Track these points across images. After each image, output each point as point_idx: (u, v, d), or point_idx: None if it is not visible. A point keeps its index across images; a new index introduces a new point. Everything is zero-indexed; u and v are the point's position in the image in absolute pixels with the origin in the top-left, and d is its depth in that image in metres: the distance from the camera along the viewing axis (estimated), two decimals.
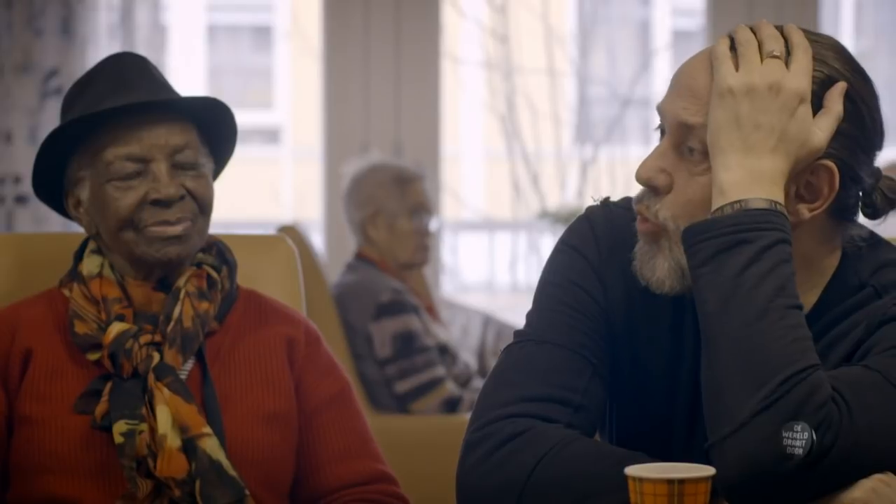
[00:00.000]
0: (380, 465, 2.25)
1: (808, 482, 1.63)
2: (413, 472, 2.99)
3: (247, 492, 2.10)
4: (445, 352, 4.17)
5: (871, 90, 1.76)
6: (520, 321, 1.87)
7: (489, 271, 8.50)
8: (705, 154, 1.73)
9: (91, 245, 2.22)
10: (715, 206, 1.71)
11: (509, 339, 1.85)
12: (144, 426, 2.10)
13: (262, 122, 10.34)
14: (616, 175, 7.60)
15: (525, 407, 1.77)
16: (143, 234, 2.15)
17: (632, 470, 1.58)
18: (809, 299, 1.77)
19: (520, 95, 7.79)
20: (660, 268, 1.77)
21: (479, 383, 4.15)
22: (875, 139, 1.76)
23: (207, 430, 2.11)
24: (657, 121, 1.81)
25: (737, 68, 1.71)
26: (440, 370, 4.09)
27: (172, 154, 2.16)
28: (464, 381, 4.21)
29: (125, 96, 2.15)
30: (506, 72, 7.82)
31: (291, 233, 4.07)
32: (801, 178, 1.74)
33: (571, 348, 1.81)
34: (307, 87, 7.33)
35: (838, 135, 1.72)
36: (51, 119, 4.82)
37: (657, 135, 1.80)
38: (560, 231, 1.89)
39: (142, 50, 4.97)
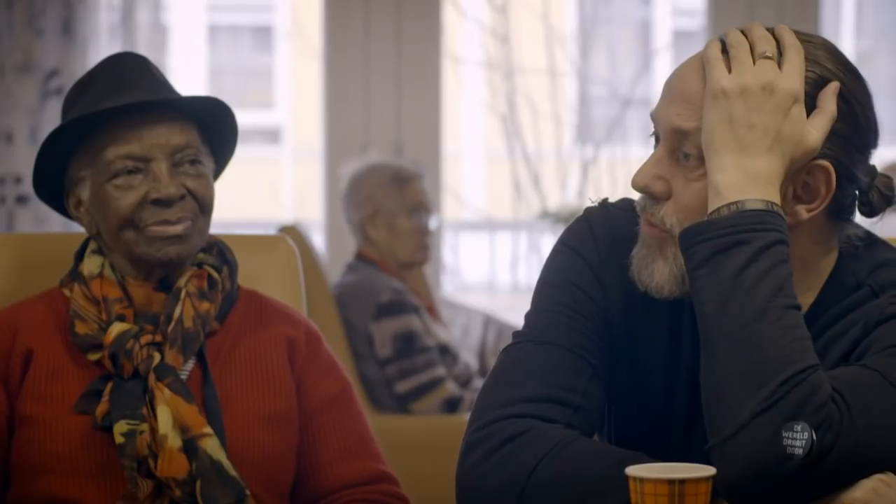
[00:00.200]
0: (380, 466, 2.25)
1: (808, 482, 1.63)
2: (413, 472, 3.00)
3: (247, 492, 2.10)
4: (446, 352, 4.17)
5: (864, 89, 1.76)
6: (520, 321, 1.87)
7: (490, 271, 8.50)
8: (701, 159, 1.73)
9: (92, 245, 2.22)
10: (711, 208, 1.71)
11: (509, 340, 1.85)
12: (145, 426, 2.10)
13: (263, 122, 10.34)
14: (617, 175, 7.60)
15: (525, 407, 1.77)
16: (143, 233, 2.15)
17: (632, 470, 1.58)
18: (806, 300, 1.77)
19: (520, 95, 7.80)
20: (658, 273, 1.77)
21: (479, 383, 4.15)
22: (869, 138, 1.77)
23: (208, 430, 2.11)
24: None
25: (729, 70, 1.72)
26: (440, 370, 4.09)
27: (173, 154, 2.16)
28: (464, 382, 4.21)
29: (126, 96, 2.15)
30: (506, 72, 7.82)
31: (292, 233, 4.07)
32: (797, 179, 1.74)
33: (570, 349, 1.81)
34: (308, 87, 7.33)
35: (833, 135, 1.72)
36: (51, 119, 4.82)
37: (653, 138, 1.81)
38: (561, 231, 1.89)
39: (142, 50, 4.97)
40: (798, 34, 1.75)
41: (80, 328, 2.16)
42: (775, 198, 1.70)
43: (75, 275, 2.21)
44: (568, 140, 8.21)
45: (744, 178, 1.70)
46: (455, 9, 7.22)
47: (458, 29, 7.95)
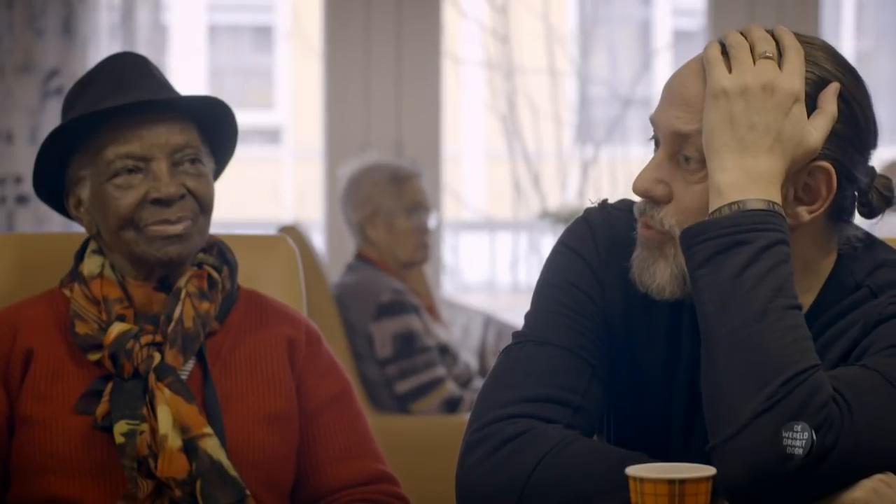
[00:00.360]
0: (380, 466, 2.25)
1: (809, 482, 1.63)
2: (413, 472, 3.00)
3: (247, 492, 2.10)
4: (446, 352, 4.17)
5: (863, 90, 1.76)
6: (520, 321, 1.87)
7: (490, 271, 8.50)
8: (702, 162, 1.73)
9: (92, 245, 2.22)
10: (712, 208, 1.71)
11: (509, 340, 1.85)
12: (145, 426, 2.10)
13: (263, 122, 10.34)
14: (617, 175, 7.60)
15: (525, 407, 1.77)
16: (143, 233, 2.15)
17: (632, 470, 1.58)
18: (806, 301, 1.77)
19: (521, 95, 7.79)
20: (660, 274, 1.77)
21: (479, 383, 4.15)
22: (869, 139, 1.77)
23: (208, 430, 2.11)
24: None
25: (730, 71, 1.72)
26: (440, 370, 4.09)
27: (173, 153, 2.16)
28: (464, 382, 4.21)
29: (126, 96, 2.15)
30: (507, 72, 7.82)
31: (292, 233, 4.07)
32: (798, 181, 1.74)
33: (570, 349, 1.81)
34: (308, 88, 7.33)
35: (833, 135, 1.72)
36: (52, 119, 4.82)
37: (653, 144, 1.80)
38: (561, 231, 1.89)
39: (142, 50, 4.97)
40: (797, 35, 1.75)
41: (81, 328, 2.16)
42: (776, 197, 1.70)
43: (75, 275, 2.21)
44: (568, 140, 8.20)
45: (745, 178, 1.70)
46: (455, 9, 7.22)
47: (459, 29, 7.95)
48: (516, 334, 1.85)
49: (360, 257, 4.27)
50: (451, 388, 4.08)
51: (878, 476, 1.66)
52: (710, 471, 1.58)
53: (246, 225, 7.26)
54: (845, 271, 1.80)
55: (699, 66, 1.75)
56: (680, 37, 9.29)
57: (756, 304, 1.66)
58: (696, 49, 1.81)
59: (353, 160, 4.52)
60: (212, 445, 2.10)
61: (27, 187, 4.79)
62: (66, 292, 2.21)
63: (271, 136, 10.47)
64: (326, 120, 5.50)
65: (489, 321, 4.73)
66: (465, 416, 3.83)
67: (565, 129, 8.15)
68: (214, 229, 2.25)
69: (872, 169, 1.79)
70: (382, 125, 5.48)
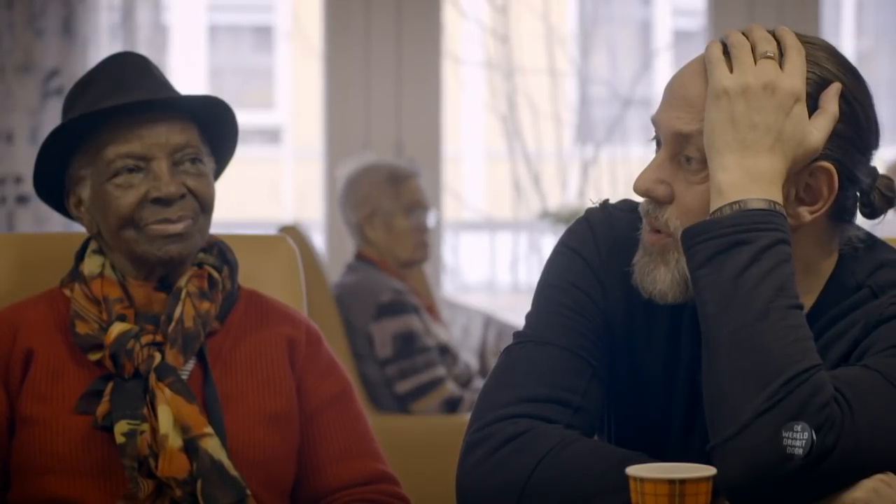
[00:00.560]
0: (381, 466, 2.25)
1: (810, 482, 1.63)
2: (414, 472, 3.00)
3: (248, 492, 2.10)
4: (446, 352, 4.17)
5: (864, 90, 1.76)
6: (521, 321, 1.87)
7: (490, 271, 8.49)
8: (703, 163, 1.73)
9: (92, 245, 2.22)
10: (713, 207, 1.71)
11: (510, 340, 1.85)
12: (146, 426, 2.10)
13: (263, 123, 10.34)
14: (617, 175, 7.60)
15: (525, 408, 1.77)
16: (143, 232, 2.15)
17: (633, 470, 1.58)
18: (807, 301, 1.76)
19: (521, 95, 7.79)
20: (661, 280, 1.77)
21: (479, 383, 4.15)
22: (871, 139, 1.77)
23: (209, 430, 2.11)
24: None
25: (731, 70, 1.72)
26: (441, 370, 4.09)
27: (173, 153, 2.16)
28: (464, 382, 4.21)
29: (126, 95, 2.15)
30: (507, 72, 7.82)
31: (292, 233, 4.07)
32: (800, 181, 1.74)
33: (571, 349, 1.81)
34: (308, 88, 7.33)
35: (834, 136, 1.72)
36: (52, 119, 4.82)
37: (654, 144, 1.80)
38: (561, 231, 1.89)
39: (143, 50, 4.97)
40: (799, 36, 1.75)
41: (81, 328, 2.16)
42: (777, 197, 1.70)
43: (76, 275, 2.21)
44: (568, 140, 8.20)
45: (746, 178, 1.70)
46: (455, 9, 7.22)
47: (459, 29, 7.95)
48: (517, 334, 1.85)
49: (360, 257, 4.27)
50: (451, 388, 4.08)
51: (879, 476, 1.66)
52: (710, 471, 1.58)
53: (246, 225, 7.26)
54: (846, 272, 1.80)
55: (700, 67, 1.75)
56: (680, 37, 9.29)
57: (757, 304, 1.65)
58: (696, 49, 1.81)
59: (351, 161, 4.52)
60: (212, 445, 2.10)
61: (27, 187, 4.79)
62: (67, 292, 2.21)
63: (271, 136, 10.47)
64: (326, 120, 5.51)
65: (489, 321, 4.73)
66: (465, 417, 3.83)
67: (565, 129, 8.15)
68: (215, 229, 2.25)
69: (874, 169, 1.79)
70: (382, 125, 5.48)
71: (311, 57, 7.16)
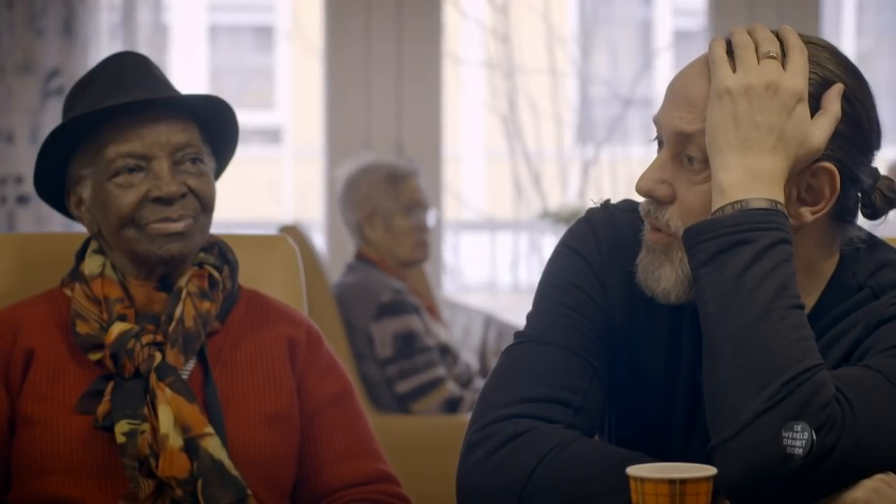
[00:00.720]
0: (381, 465, 2.25)
1: (810, 482, 1.63)
2: (414, 472, 3.00)
3: (249, 492, 2.10)
4: (446, 352, 4.17)
5: (866, 91, 1.76)
6: (521, 321, 1.87)
7: (490, 271, 8.50)
8: (705, 162, 1.73)
9: (93, 245, 2.22)
10: (715, 207, 1.71)
11: (510, 340, 1.85)
12: (146, 426, 2.10)
13: (264, 123, 10.34)
14: (617, 175, 7.60)
15: (526, 408, 1.77)
16: (144, 231, 2.15)
17: (633, 470, 1.58)
18: (808, 302, 1.76)
19: (521, 95, 7.80)
20: (665, 279, 1.77)
21: (480, 383, 4.15)
22: (872, 140, 1.77)
23: (209, 429, 2.11)
24: None
25: (734, 70, 1.72)
26: (441, 370, 4.09)
27: (174, 152, 2.16)
28: (465, 382, 4.21)
29: (126, 95, 2.15)
30: (507, 72, 7.82)
31: (293, 233, 4.07)
32: (801, 181, 1.74)
33: (572, 349, 1.81)
34: (308, 88, 7.33)
35: (836, 136, 1.72)
36: (52, 119, 4.82)
37: (656, 142, 1.80)
38: (562, 231, 1.89)
39: (143, 50, 4.97)
40: (801, 36, 1.75)
41: (82, 328, 2.16)
42: (779, 197, 1.70)
43: (76, 274, 2.21)
44: (569, 140, 8.21)
45: (748, 177, 1.70)
46: (456, 9, 7.22)
47: (459, 29, 7.95)
48: (518, 334, 1.85)
49: (360, 257, 4.27)
50: (451, 388, 4.08)
51: (880, 476, 1.66)
52: (710, 471, 1.58)
53: (246, 225, 7.26)
54: (848, 272, 1.80)
55: (702, 67, 1.75)
56: (680, 37, 9.29)
57: (759, 304, 1.65)
58: (696, 49, 1.81)
59: (350, 161, 4.51)
60: (213, 445, 2.10)
61: (28, 187, 4.79)
62: (67, 292, 2.21)
63: (272, 136, 10.47)
64: (327, 120, 5.51)
65: (490, 321, 4.73)
66: (465, 417, 3.83)
67: (566, 129, 8.15)
68: (215, 229, 2.25)
69: (876, 170, 1.79)
70: (383, 125, 5.48)
71: (311, 57, 7.16)
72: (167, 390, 2.11)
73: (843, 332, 1.76)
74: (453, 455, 1.81)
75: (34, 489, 2.12)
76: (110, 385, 2.13)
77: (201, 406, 2.13)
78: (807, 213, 1.74)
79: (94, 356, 2.15)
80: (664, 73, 8.07)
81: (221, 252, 2.26)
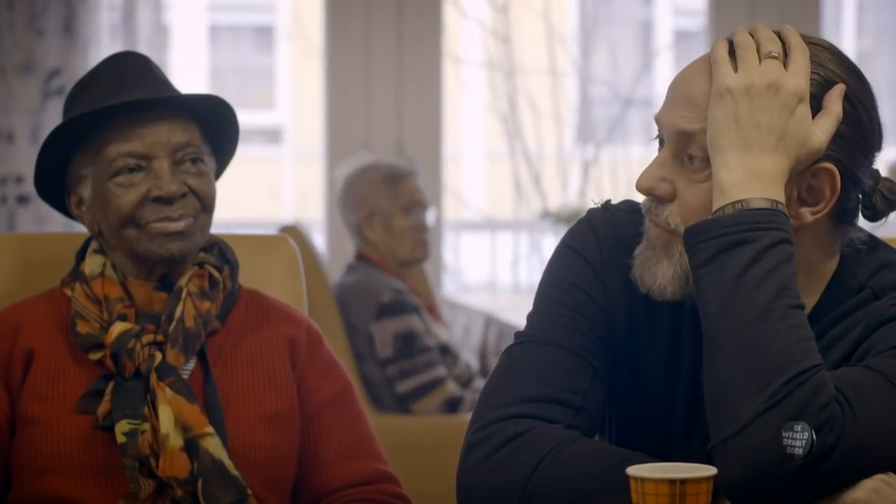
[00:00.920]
0: (382, 465, 2.25)
1: (810, 482, 1.63)
2: (414, 472, 3.00)
3: (249, 492, 2.10)
4: (447, 352, 4.17)
5: (868, 92, 1.76)
6: (522, 321, 1.87)
7: (491, 271, 8.50)
8: (706, 161, 1.73)
9: (93, 245, 2.22)
10: (716, 206, 1.71)
11: (511, 340, 1.85)
12: (147, 426, 2.10)
13: (264, 123, 10.34)
14: (618, 175, 7.60)
15: (526, 408, 1.77)
16: (145, 230, 2.15)
17: (633, 470, 1.58)
18: (808, 302, 1.76)
19: (521, 95, 7.80)
20: (661, 274, 1.77)
21: (480, 383, 4.15)
22: (874, 141, 1.77)
23: (210, 429, 2.11)
24: None
25: (735, 70, 1.72)
26: (441, 370, 4.09)
27: (174, 152, 2.16)
28: (465, 382, 4.21)
29: (127, 94, 2.15)
30: (507, 72, 7.82)
31: (293, 233, 4.07)
32: (802, 182, 1.74)
33: (572, 350, 1.81)
34: (309, 88, 7.33)
35: (837, 137, 1.72)
36: (53, 119, 4.82)
37: (657, 141, 1.80)
38: (562, 231, 1.90)
39: (143, 50, 4.97)
40: (803, 36, 1.75)
41: (82, 328, 2.16)
42: (780, 197, 1.70)
43: (76, 274, 2.21)
44: (569, 140, 8.21)
45: (748, 177, 1.70)
46: (456, 9, 7.22)
47: (459, 29, 7.95)
48: (518, 334, 1.85)
49: (361, 257, 4.27)
50: (451, 388, 4.08)
51: (880, 476, 1.66)
52: (710, 471, 1.58)
53: (246, 225, 7.27)
54: (848, 273, 1.80)
55: (704, 66, 1.75)
56: (681, 37, 9.30)
57: (759, 304, 1.65)
58: (696, 49, 1.82)
59: (349, 161, 4.51)
60: (213, 445, 2.10)
61: (28, 187, 4.79)
62: (68, 292, 2.21)
63: (272, 136, 10.47)
64: (327, 120, 5.51)
65: (490, 321, 4.73)
66: (465, 417, 3.83)
67: (566, 129, 8.15)
68: (215, 229, 2.25)
69: (877, 171, 1.79)
70: (383, 125, 5.48)
71: (311, 57, 7.17)
72: (167, 390, 2.11)
73: (844, 332, 1.76)
74: (453, 455, 1.81)
75: (34, 489, 2.12)
76: (111, 385, 2.13)
77: (202, 406, 2.13)
78: (807, 214, 1.74)
79: (95, 356, 2.15)
80: (664, 73, 8.07)
81: (222, 252, 2.26)
